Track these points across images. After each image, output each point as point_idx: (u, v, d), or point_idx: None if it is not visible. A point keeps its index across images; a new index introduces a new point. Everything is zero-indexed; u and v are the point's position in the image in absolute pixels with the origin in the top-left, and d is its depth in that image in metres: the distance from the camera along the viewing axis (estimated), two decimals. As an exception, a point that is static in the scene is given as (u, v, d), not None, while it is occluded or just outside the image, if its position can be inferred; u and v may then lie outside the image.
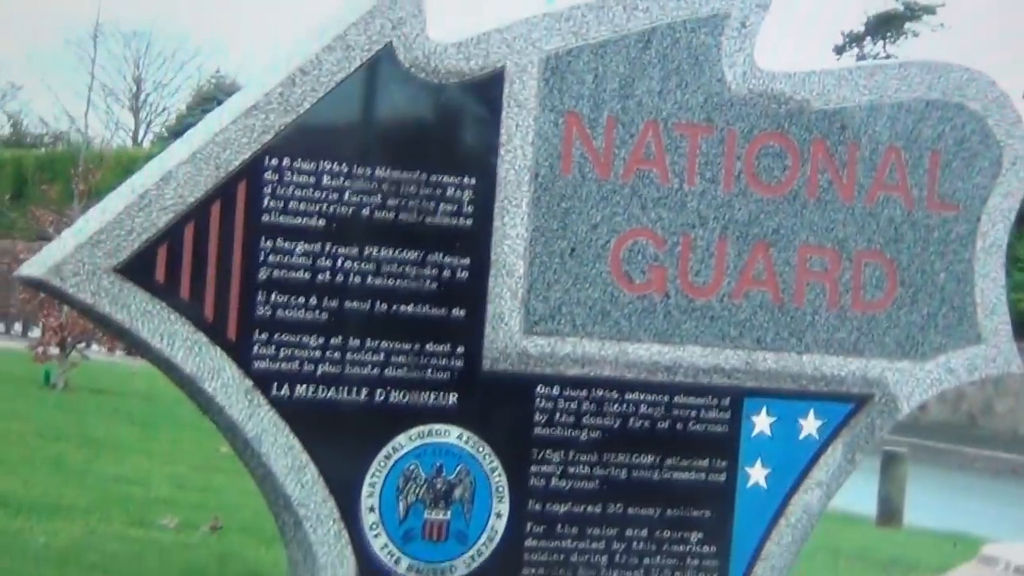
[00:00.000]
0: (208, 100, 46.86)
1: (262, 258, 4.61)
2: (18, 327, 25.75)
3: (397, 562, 4.83)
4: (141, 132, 67.58)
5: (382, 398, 4.83)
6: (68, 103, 76.96)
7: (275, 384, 4.66)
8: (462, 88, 4.91)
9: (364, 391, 4.81)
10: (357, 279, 4.72)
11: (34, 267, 4.54)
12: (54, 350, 17.59)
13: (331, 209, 4.70)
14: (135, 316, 4.51)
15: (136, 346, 4.98)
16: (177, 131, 35.97)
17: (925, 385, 5.45)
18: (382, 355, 4.80)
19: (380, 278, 4.75)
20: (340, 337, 4.74)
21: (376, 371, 4.79)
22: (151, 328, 4.52)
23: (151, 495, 9.03)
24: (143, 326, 4.50)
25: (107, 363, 17.75)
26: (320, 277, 4.67)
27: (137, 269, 4.48)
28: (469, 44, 4.86)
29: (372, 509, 4.81)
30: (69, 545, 6.91)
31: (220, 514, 8.09)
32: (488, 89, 4.89)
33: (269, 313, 4.64)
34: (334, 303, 4.73)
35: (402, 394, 4.86)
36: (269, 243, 4.63)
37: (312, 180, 4.67)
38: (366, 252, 4.73)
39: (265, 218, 4.63)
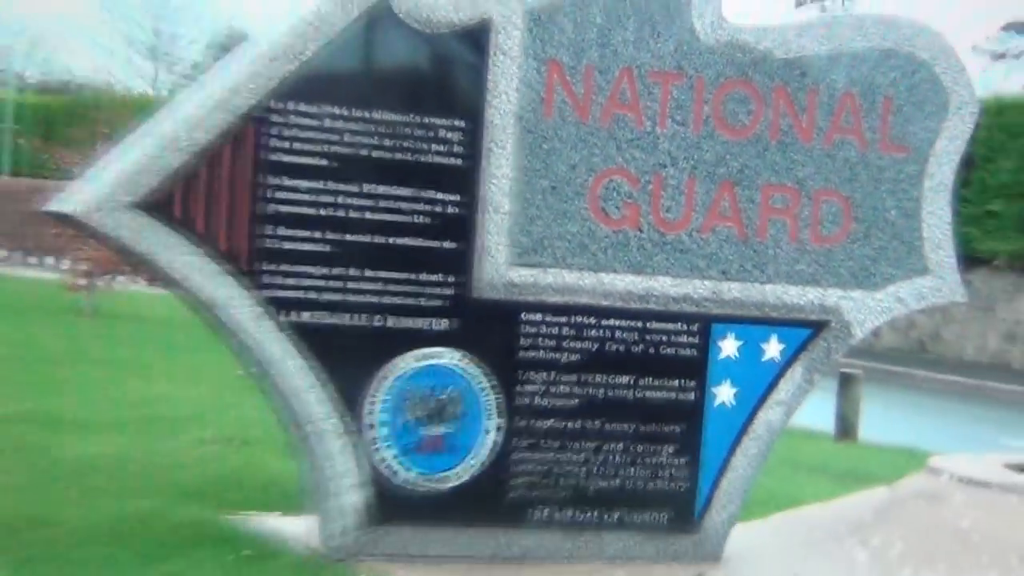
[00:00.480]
0: (222, 50, 46.37)
1: (269, 195, 4.76)
2: (50, 260, 25.57)
3: (395, 473, 5.02)
4: (159, 79, 67.83)
5: (380, 323, 4.99)
6: (93, 54, 78.09)
7: (283, 310, 4.81)
8: (452, 37, 5.03)
9: (364, 317, 4.97)
10: (356, 214, 4.89)
11: (62, 203, 4.71)
12: (83, 281, 17.63)
13: (332, 149, 4.84)
14: (154, 248, 4.64)
15: (156, 276, 5.13)
16: (192, 79, 36.00)
17: (876, 312, 5.72)
18: (380, 284, 4.97)
19: (378, 213, 4.93)
20: (342, 267, 4.90)
21: (375, 298, 4.97)
22: (169, 259, 4.64)
23: (176, 413, 9.07)
24: (162, 257, 4.64)
25: (136, 293, 17.73)
26: (323, 212, 4.84)
27: (155, 205, 4.57)
28: (459, -4, 5.03)
29: (372, 426, 4.97)
30: (98, 458, 6.96)
31: (239, 430, 8.16)
32: (476, 39, 5.01)
33: (277, 245, 4.79)
34: (336, 236, 4.89)
35: (398, 319, 5.02)
36: (276, 181, 4.78)
37: (315, 123, 4.79)
38: (365, 189, 4.89)
39: (272, 157, 4.76)
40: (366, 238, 4.86)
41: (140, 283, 17.68)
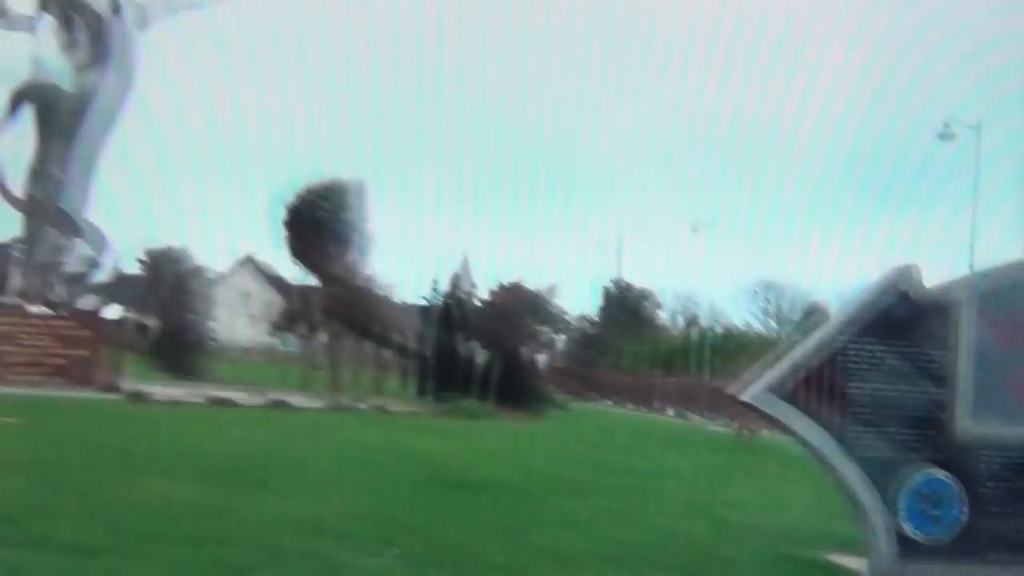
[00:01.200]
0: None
1: (849, 392, 8.56)
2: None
3: (911, 534, 8.38)
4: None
5: (904, 455, 8.56)
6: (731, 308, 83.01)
7: (855, 451, 8.55)
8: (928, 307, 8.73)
9: (897, 453, 8.60)
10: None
11: (742, 392, 8.70)
12: (746, 431, 23.11)
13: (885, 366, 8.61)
14: (788, 419, 8.55)
15: (787, 433, 8.82)
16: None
17: None
18: (899, 433, 8.62)
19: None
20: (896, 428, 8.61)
21: (898, 439, 8.61)
22: (794, 426, 8.56)
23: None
24: (792, 425, 8.53)
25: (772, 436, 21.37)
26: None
27: (788, 395, 8.44)
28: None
29: (898, 508, 8.45)
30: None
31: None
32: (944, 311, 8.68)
33: (862, 418, 8.56)
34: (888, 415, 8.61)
35: (911, 453, 8.60)
36: (853, 382, 8.59)
37: (865, 351, 8.57)
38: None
39: (852, 367, 8.54)
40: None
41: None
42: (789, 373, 8.62)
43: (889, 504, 8.45)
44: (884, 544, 8.40)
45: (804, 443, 8.71)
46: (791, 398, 8.54)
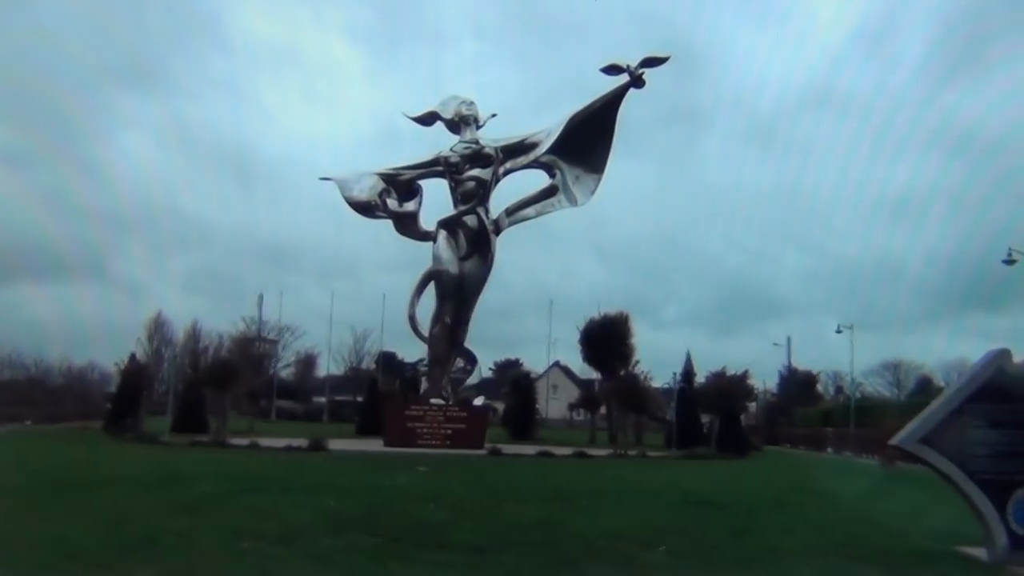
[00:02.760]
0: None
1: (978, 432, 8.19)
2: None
3: (1019, 530, 8.03)
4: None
5: (1009, 476, 8.10)
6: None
7: (973, 475, 8.13)
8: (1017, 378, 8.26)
9: (1006, 475, 8.11)
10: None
11: (900, 441, 8.40)
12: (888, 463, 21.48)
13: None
14: (931, 458, 8.20)
15: (934, 470, 8.42)
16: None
17: None
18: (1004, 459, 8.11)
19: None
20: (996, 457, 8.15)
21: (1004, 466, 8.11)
22: (938, 463, 8.17)
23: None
24: (935, 462, 8.15)
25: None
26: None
27: (929, 440, 8.18)
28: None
29: (1009, 514, 8.06)
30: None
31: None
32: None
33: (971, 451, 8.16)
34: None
35: (1016, 474, 8.10)
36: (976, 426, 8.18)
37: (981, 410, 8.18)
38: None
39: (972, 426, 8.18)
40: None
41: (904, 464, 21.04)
42: (926, 424, 8.41)
43: (1001, 511, 8.15)
44: (998, 539, 8.16)
45: (938, 471, 8.37)
46: (928, 441, 8.37)
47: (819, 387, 75.90)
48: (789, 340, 61.35)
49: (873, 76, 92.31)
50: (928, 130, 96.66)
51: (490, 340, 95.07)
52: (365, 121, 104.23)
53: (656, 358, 77.77)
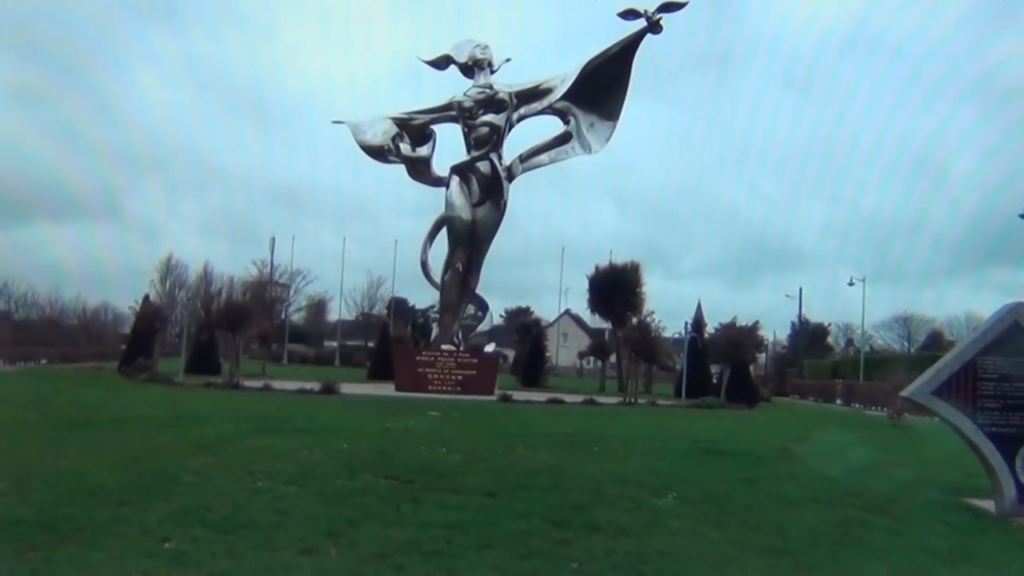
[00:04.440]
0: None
1: (980, 390, 8.20)
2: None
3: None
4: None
5: (1018, 429, 8.12)
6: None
7: (984, 427, 8.15)
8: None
9: (1016, 428, 8.13)
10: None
11: (906, 391, 8.46)
12: (895, 415, 21.41)
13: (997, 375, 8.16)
14: (940, 409, 8.24)
15: (944, 422, 8.49)
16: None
17: None
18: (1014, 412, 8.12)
19: None
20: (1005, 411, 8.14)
21: (1014, 419, 8.13)
22: (945, 413, 8.19)
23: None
24: (942, 411, 8.17)
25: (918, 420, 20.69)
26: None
27: (939, 391, 8.21)
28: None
29: (1016, 467, 8.12)
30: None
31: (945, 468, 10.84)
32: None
33: (983, 405, 8.17)
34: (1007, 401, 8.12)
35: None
36: (983, 384, 8.17)
37: (993, 363, 8.19)
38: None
39: (984, 376, 8.17)
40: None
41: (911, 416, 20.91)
42: (938, 376, 8.42)
43: (1010, 463, 8.16)
44: (1007, 491, 8.19)
45: (949, 423, 8.40)
46: (939, 393, 8.39)
47: (830, 339, 76.21)
48: (801, 292, 61.21)
49: (915, 21, 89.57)
50: (967, 80, 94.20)
51: (502, 287, 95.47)
52: (386, 62, 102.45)
53: (671, 308, 77.92)
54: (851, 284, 55.76)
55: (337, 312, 75.03)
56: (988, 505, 8.38)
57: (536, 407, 22.71)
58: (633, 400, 27.48)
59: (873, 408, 30.53)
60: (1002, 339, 8.35)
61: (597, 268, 42.20)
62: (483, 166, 28.26)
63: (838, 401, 38.32)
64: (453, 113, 28.70)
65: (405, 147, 28.73)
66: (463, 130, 28.73)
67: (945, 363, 8.50)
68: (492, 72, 29.01)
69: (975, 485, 9.05)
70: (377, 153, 28.71)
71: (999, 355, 8.31)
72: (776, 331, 68.13)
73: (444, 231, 29.01)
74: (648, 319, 34.74)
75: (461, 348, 28.32)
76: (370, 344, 54.98)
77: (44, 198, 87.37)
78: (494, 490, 7.93)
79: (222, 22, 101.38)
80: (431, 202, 29.61)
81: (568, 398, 25.86)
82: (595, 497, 7.89)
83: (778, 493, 8.78)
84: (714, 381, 33.37)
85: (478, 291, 29.85)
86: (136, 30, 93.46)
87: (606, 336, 48.65)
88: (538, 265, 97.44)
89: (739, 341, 31.47)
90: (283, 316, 71.27)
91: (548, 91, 28.33)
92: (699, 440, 14.12)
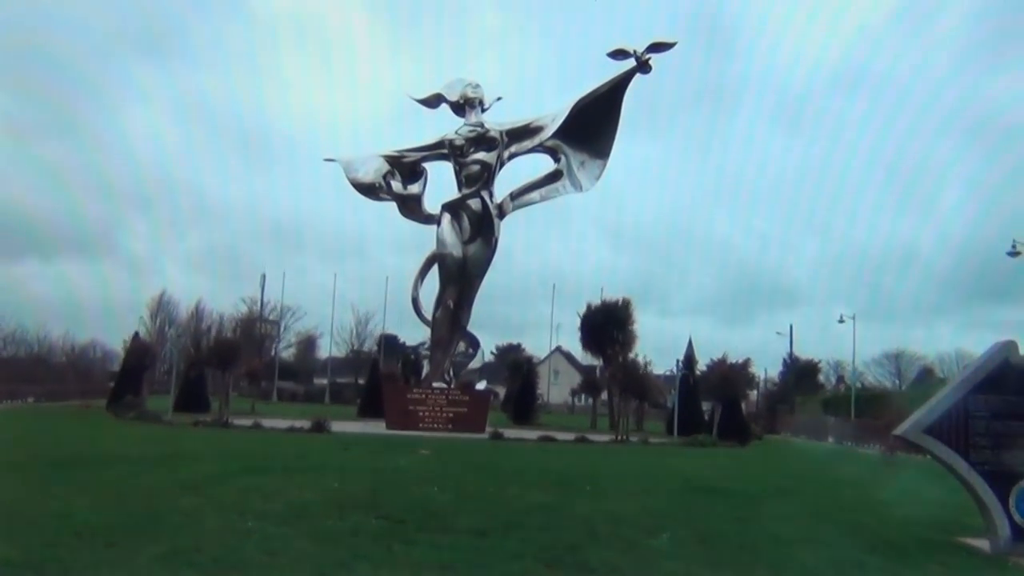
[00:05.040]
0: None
1: (983, 428, 8.14)
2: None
3: (1021, 522, 8.01)
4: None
5: (1011, 467, 8.07)
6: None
7: (976, 466, 8.09)
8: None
9: (1006, 467, 8.09)
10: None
11: (903, 431, 8.42)
12: (888, 452, 21.24)
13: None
14: (931, 447, 8.14)
15: (937, 460, 8.40)
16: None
17: None
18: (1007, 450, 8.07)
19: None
20: (997, 449, 8.10)
21: (1007, 457, 8.06)
22: (937, 451, 8.16)
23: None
24: (935, 451, 8.11)
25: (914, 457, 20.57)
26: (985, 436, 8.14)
27: (931, 429, 8.17)
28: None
29: (1010, 504, 8.04)
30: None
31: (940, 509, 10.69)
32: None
33: (975, 441, 8.11)
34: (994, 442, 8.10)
35: (1018, 465, 8.06)
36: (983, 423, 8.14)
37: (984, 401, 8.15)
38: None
39: (977, 414, 8.15)
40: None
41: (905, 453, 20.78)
42: (931, 414, 8.41)
43: (1003, 501, 8.11)
44: (1001, 530, 8.14)
45: (942, 462, 8.37)
46: (932, 431, 8.36)
47: (820, 376, 76.26)
48: (792, 329, 61.36)
49: (904, 55, 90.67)
50: (950, 112, 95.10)
51: (494, 324, 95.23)
52: (384, 98, 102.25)
53: (662, 345, 77.73)
54: (841, 321, 55.88)
55: (327, 349, 74.79)
56: (983, 544, 8.34)
57: (528, 445, 22.57)
58: (624, 438, 27.31)
59: (865, 445, 30.47)
60: (993, 377, 8.37)
61: (589, 306, 42.30)
62: (474, 204, 28.40)
63: (830, 439, 38.25)
64: (444, 151, 28.91)
65: (396, 184, 28.90)
66: (454, 168, 28.93)
67: (937, 401, 8.50)
68: (483, 110, 29.29)
69: (970, 523, 9.02)
70: (369, 191, 28.86)
71: (990, 393, 8.31)
72: (767, 368, 68.20)
73: (435, 268, 29.06)
74: (636, 356, 34.71)
75: (452, 385, 28.21)
76: (360, 381, 54.67)
77: (33, 235, 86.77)
78: (486, 530, 7.86)
79: (213, 59, 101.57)
80: (423, 239, 29.71)
81: (560, 436, 25.70)
82: (588, 537, 7.82)
83: (772, 532, 8.74)
84: (706, 418, 33.28)
85: (469, 328, 29.81)
86: (126, 68, 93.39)
87: (597, 373, 48.54)
88: (530, 301, 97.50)
89: (731, 378, 31.45)
90: (273, 353, 70.90)
91: (539, 129, 28.60)
92: (692, 479, 14.07)
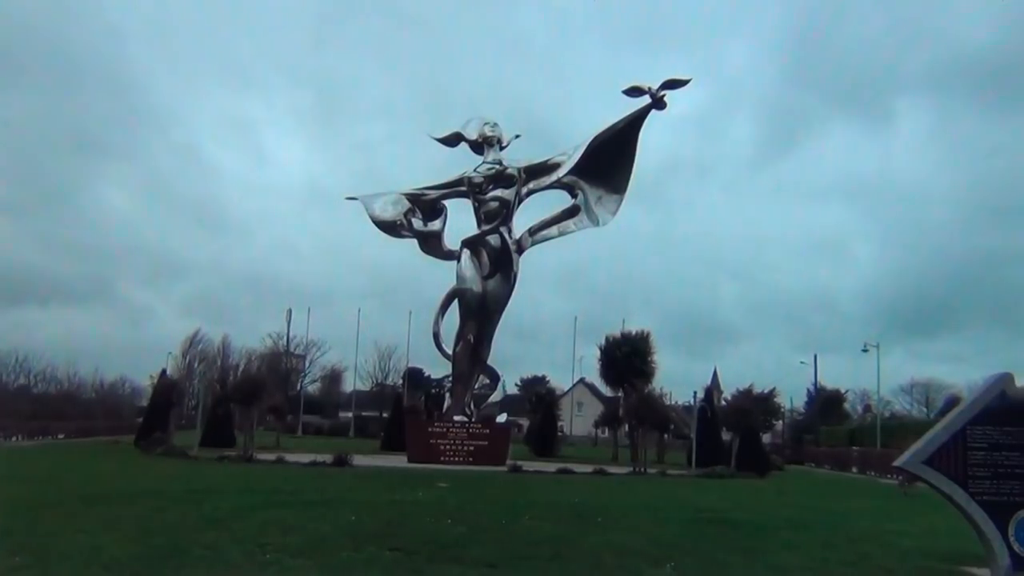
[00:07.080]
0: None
1: (972, 459, 8.16)
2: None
3: (1021, 551, 8.03)
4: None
5: (1010, 497, 8.09)
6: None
7: (976, 496, 8.09)
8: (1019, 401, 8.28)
9: (1007, 497, 8.11)
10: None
11: (902, 462, 8.46)
12: (906, 482, 21.10)
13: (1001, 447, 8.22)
14: (931, 478, 8.22)
15: (937, 491, 8.39)
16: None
17: None
18: (1005, 481, 8.10)
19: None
20: (993, 482, 8.12)
21: (1005, 487, 8.09)
22: (938, 482, 8.19)
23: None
24: (936, 482, 8.19)
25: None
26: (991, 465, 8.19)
27: (930, 460, 8.22)
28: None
29: (1009, 534, 8.06)
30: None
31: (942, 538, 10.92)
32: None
33: (972, 473, 8.12)
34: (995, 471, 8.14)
35: (1016, 495, 8.09)
36: (975, 453, 8.18)
37: (982, 432, 8.21)
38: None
39: (974, 445, 8.20)
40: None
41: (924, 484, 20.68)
42: (929, 446, 8.46)
43: (1003, 531, 8.13)
44: (1001, 559, 8.13)
45: (941, 492, 8.46)
46: (931, 462, 8.38)
47: (847, 406, 75.49)
48: (816, 358, 60.91)
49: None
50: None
51: (517, 358, 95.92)
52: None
53: (690, 376, 77.98)
54: (865, 351, 55.52)
55: (352, 383, 75.30)
56: (984, 573, 8.41)
57: (545, 477, 22.71)
58: (643, 470, 27.37)
59: (888, 476, 30.24)
60: (990, 408, 8.45)
61: (607, 338, 42.45)
62: (493, 239, 28.83)
63: (853, 469, 37.93)
64: (464, 188, 29.43)
65: (417, 222, 29.39)
66: (473, 205, 29.43)
67: (936, 433, 8.59)
68: (502, 148, 29.80)
69: (975, 552, 9.04)
70: (390, 228, 29.35)
71: (988, 424, 8.41)
72: (793, 398, 67.64)
73: (456, 303, 29.42)
74: (654, 388, 34.80)
75: (473, 419, 28.42)
76: (384, 415, 54.97)
77: (34, 286, 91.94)
78: (496, 561, 8.07)
79: (167, 151, 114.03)
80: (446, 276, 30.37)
81: (578, 468, 25.80)
82: (595, 567, 8.02)
83: (776, 563, 8.87)
84: (726, 449, 33.19)
85: (489, 362, 30.08)
86: (97, 161, 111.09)
87: (619, 405, 48.56)
88: (553, 334, 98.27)
89: (748, 409, 31.38)
90: (298, 387, 71.44)
91: (556, 166, 29.05)
92: (703, 510, 14.17)
